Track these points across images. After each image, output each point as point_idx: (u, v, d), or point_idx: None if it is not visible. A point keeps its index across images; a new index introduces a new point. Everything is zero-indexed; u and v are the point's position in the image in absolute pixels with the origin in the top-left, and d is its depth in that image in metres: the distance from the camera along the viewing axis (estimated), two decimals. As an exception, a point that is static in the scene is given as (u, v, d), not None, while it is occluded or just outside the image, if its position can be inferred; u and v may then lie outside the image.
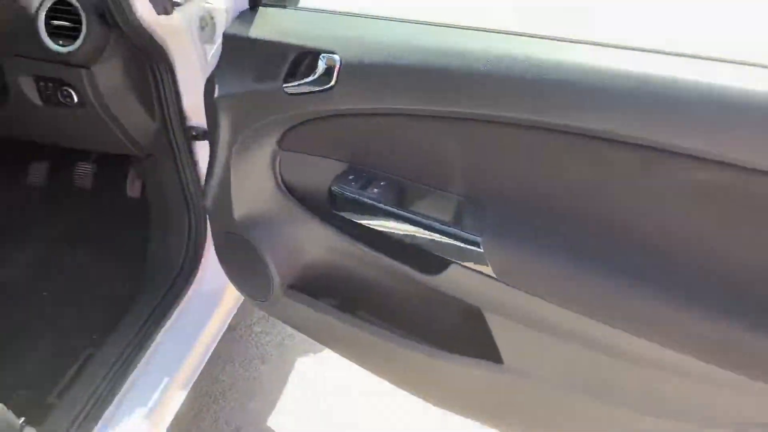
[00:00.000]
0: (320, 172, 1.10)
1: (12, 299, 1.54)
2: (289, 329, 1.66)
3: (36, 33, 1.16)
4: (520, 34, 0.85)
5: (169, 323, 1.38)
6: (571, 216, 0.84)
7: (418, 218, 0.98)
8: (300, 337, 1.75)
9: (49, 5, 1.15)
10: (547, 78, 0.78)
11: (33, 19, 1.15)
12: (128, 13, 1.11)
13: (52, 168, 1.76)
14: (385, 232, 1.03)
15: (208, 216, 1.34)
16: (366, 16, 1.01)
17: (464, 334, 1.08)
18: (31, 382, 1.27)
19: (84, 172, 1.72)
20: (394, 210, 1.00)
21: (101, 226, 1.73)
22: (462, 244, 0.93)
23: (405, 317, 1.16)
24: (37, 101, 1.27)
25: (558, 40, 0.83)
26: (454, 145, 0.93)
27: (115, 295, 1.54)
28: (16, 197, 1.75)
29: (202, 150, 1.40)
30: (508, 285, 0.90)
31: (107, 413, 1.18)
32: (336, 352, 1.33)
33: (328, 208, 1.10)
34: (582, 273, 0.82)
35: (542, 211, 0.87)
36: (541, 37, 0.83)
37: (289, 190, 1.16)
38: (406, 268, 1.04)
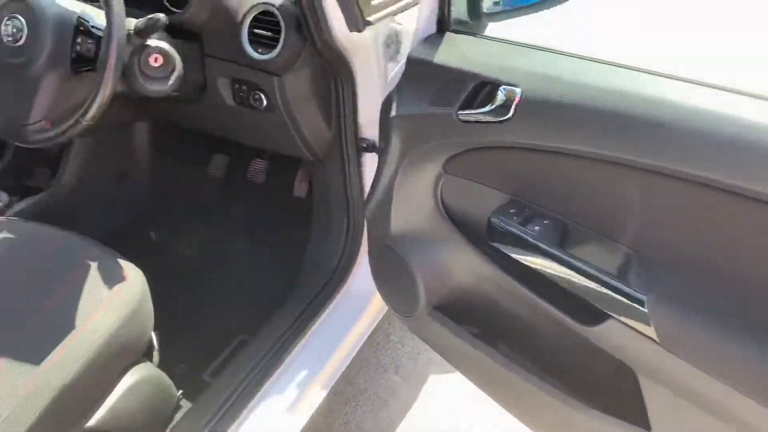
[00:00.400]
0: (481, 201, 1.09)
1: (184, 277, 1.70)
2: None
3: (239, 40, 1.26)
4: (723, 89, 0.79)
5: (319, 321, 1.45)
6: (759, 289, 0.76)
7: (579, 264, 0.94)
8: (434, 353, 1.76)
9: (254, 15, 1.26)
10: (750, 141, 0.72)
11: (238, 27, 1.26)
12: (324, 29, 1.18)
13: (231, 161, 1.91)
14: (541, 271, 1.00)
15: (366, 225, 1.39)
16: (552, 51, 0.98)
17: (611, 391, 1.02)
18: (189, 358, 1.38)
19: (258, 168, 1.86)
20: (554, 251, 0.97)
21: (267, 220, 1.86)
22: (623, 299, 0.88)
23: (547, 360, 1.12)
24: (230, 101, 1.39)
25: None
26: (629, 194, 0.88)
27: (272, 286, 1.64)
28: (197, 185, 1.92)
29: (369, 161, 1.46)
30: (671, 353, 0.84)
31: (253, 401, 1.26)
32: (470, 380, 1.32)
33: (484, 237, 1.09)
34: (764, 359, 0.74)
35: (722, 279, 0.80)
36: (752, 96, 0.76)
37: (448, 213, 1.16)
38: (557, 312, 1.00)
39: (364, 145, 1.42)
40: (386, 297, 1.39)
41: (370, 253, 1.37)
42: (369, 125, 1.39)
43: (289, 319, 1.43)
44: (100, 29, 1.08)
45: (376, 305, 1.57)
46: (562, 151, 0.92)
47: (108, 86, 1.05)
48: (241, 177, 1.88)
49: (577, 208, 0.97)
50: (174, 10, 1.29)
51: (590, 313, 0.94)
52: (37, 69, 1.08)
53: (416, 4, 1.13)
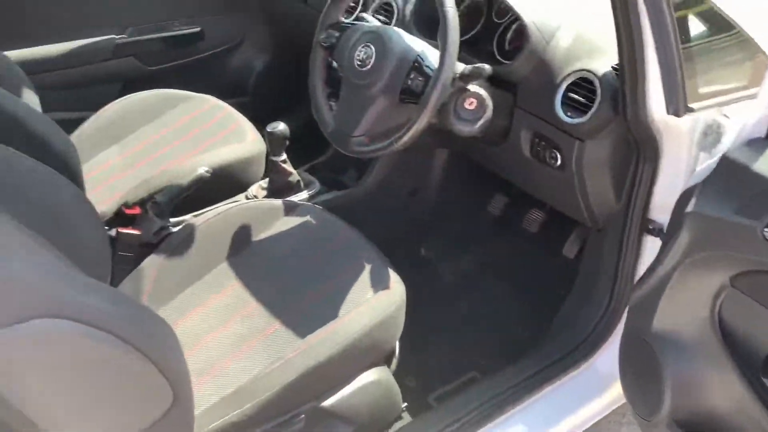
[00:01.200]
0: (764, 329, 0.97)
1: (439, 298, 1.80)
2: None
3: (552, 99, 1.30)
4: None
5: (556, 384, 1.43)
6: None
7: None
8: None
9: (572, 80, 1.28)
10: None
11: (555, 88, 1.30)
12: (641, 107, 1.16)
13: (510, 204, 1.97)
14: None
15: (627, 309, 1.33)
16: None
17: None
18: (420, 376, 1.47)
19: (534, 217, 1.88)
20: None
21: (530, 270, 1.87)
22: None
23: None
24: (526, 153, 1.44)
25: None
26: None
27: (517, 333, 1.65)
28: (474, 217, 2.01)
29: (649, 244, 1.38)
30: None
31: None
32: None
33: (758, 369, 0.97)
34: None
35: None
36: None
37: (723, 330, 1.06)
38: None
39: (650, 227, 1.35)
40: (627, 390, 1.31)
41: (623, 339, 1.31)
42: (660, 208, 1.32)
43: (526, 372, 1.43)
44: (431, 69, 1.21)
45: (616, 392, 1.48)
46: None
47: (424, 120, 1.18)
48: (516, 221, 1.93)
49: None
50: (502, 61, 1.38)
51: None
52: (373, 93, 1.26)
53: (750, 98, 1.04)
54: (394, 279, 1.28)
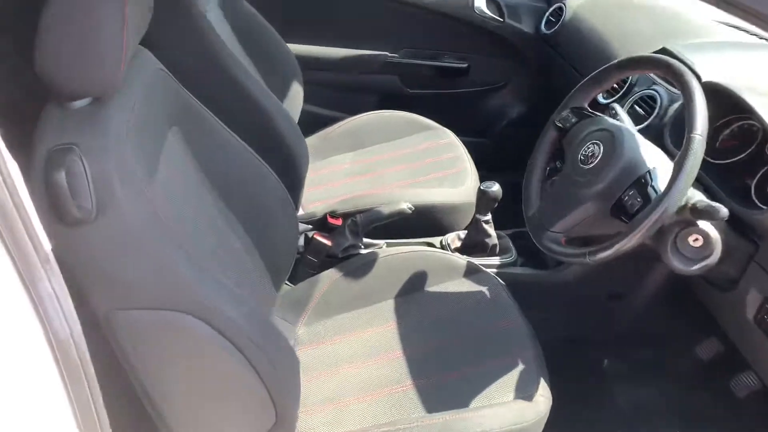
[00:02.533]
0: None
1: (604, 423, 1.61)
2: None
3: None
4: None
5: None
6: None
7: None
8: None
9: None
10: None
11: None
12: None
13: (724, 355, 1.67)
14: None
15: None
16: None
17: None
18: None
19: (746, 383, 1.55)
20: None
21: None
22: None
23: None
24: (749, 315, 1.20)
25: None
26: None
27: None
28: (677, 352, 1.76)
29: None
30: None
31: None
32: None
33: None
34: None
35: None
36: None
37: None
38: None
39: None
40: None
41: None
42: None
43: None
44: (656, 192, 1.07)
45: None
46: None
47: (629, 244, 1.05)
48: (723, 378, 1.63)
49: None
50: (758, 204, 1.16)
51: None
52: (586, 194, 1.15)
53: None
54: (543, 392, 1.18)
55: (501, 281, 1.42)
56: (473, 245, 1.66)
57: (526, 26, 2.20)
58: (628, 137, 1.13)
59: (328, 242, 1.54)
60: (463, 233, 1.71)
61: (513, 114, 2.36)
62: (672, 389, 1.70)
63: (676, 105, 1.42)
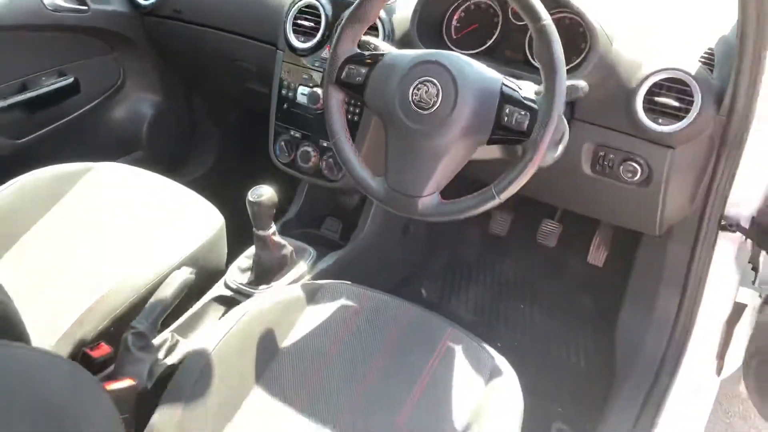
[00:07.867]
0: None
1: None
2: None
3: (630, 107, 1.12)
4: None
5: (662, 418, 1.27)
6: None
7: None
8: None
9: (653, 81, 1.11)
10: None
11: (631, 94, 1.12)
12: (754, 101, 1.02)
13: (515, 220, 1.78)
14: None
15: (755, 325, 1.20)
16: None
17: None
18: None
19: (549, 230, 1.70)
20: None
21: (559, 287, 1.70)
22: None
23: None
24: (586, 170, 1.24)
25: None
26: None
27: (579, 368, 1.48)
28: (474, 242, 1.80)
29: (721, 242, 1.28)
30: None
31: None
32: None
33: None
34: None
35: None
36: None
37: None
38: None
39: (726, 224, 1.24)
40: (759, 404, 1.20)
41: (746, 357, 1.19)
42: (737, 203, 1.21)
43: (626, 417, 1.27)
44: (529, 98, 0.95)
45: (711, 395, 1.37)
46: None
47: (538, 160, 0.92)
48: (528, 238, 1.74)
49: None
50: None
51: None
52: (447, 139, 0.94)
53: None
54: (505, 367, 1.04)
55: (345, 282, 1.17)
56: (267, 269, 1.34)
57: (118, 5, 1.76)
58: (455, 58, 0.97)
59: (130, 381, 1.04)
60: (244, 262, 1.38)
61: (150, 111, 1.95)
62: (495, 277, 1.75)
63: (396, 16, 1.32)
